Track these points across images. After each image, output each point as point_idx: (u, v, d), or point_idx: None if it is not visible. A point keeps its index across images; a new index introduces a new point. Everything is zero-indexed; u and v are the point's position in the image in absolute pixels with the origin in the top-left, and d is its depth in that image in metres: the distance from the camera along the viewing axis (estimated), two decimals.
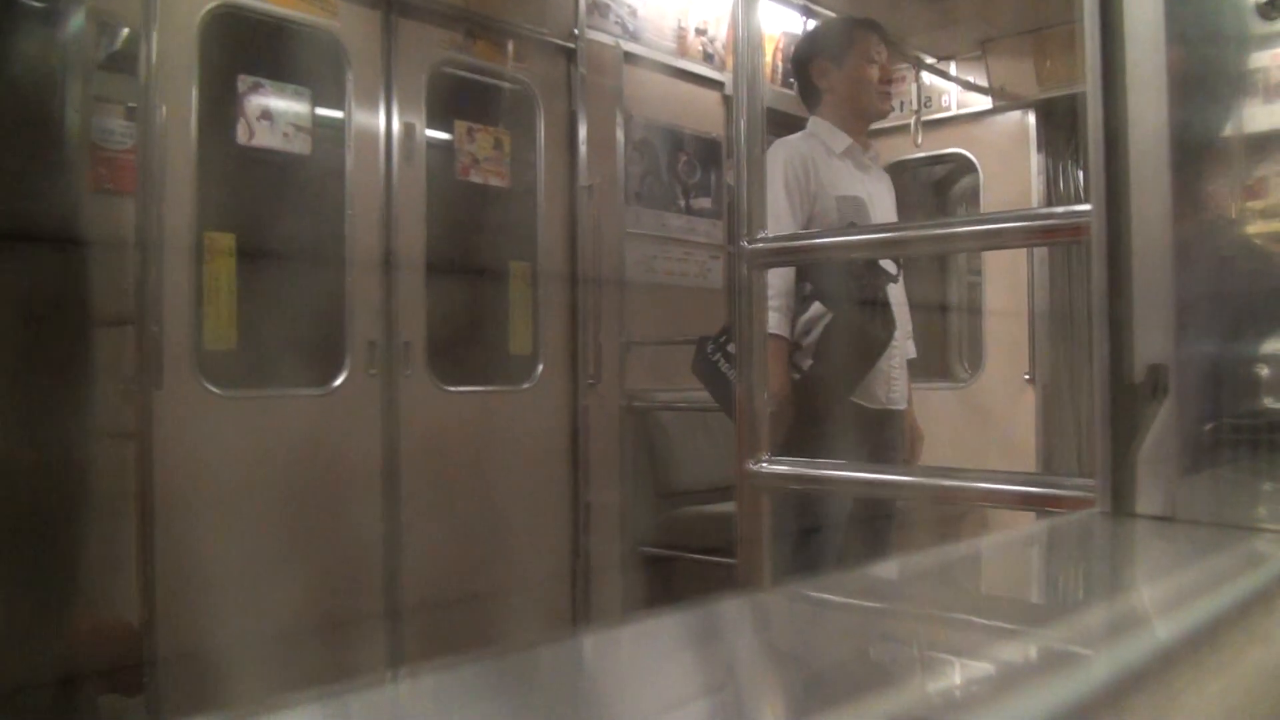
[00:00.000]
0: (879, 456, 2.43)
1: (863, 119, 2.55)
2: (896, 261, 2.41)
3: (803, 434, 2.27)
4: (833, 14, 3.55)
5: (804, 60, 2.58)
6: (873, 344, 2.36)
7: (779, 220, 2.27)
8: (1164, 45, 0.82)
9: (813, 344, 2.33)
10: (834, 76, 2.51)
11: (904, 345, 2.53)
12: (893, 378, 2.46)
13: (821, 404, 2.33)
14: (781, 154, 2.37)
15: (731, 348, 2.38)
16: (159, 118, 2.38)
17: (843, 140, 2.48)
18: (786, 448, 2.03)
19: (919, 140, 4.12)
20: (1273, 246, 1.18)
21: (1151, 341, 0.80)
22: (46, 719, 1.89)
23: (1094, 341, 0.84)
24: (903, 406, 2.54)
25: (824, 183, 2.39)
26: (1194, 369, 0.81)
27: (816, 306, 2.32)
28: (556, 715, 0.37)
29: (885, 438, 2.48)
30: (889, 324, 2.39)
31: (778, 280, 2.26)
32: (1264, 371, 0.88)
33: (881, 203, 2.53)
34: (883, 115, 2.67)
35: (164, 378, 2.37)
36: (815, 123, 2.53)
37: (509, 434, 3.15)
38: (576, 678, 0.43)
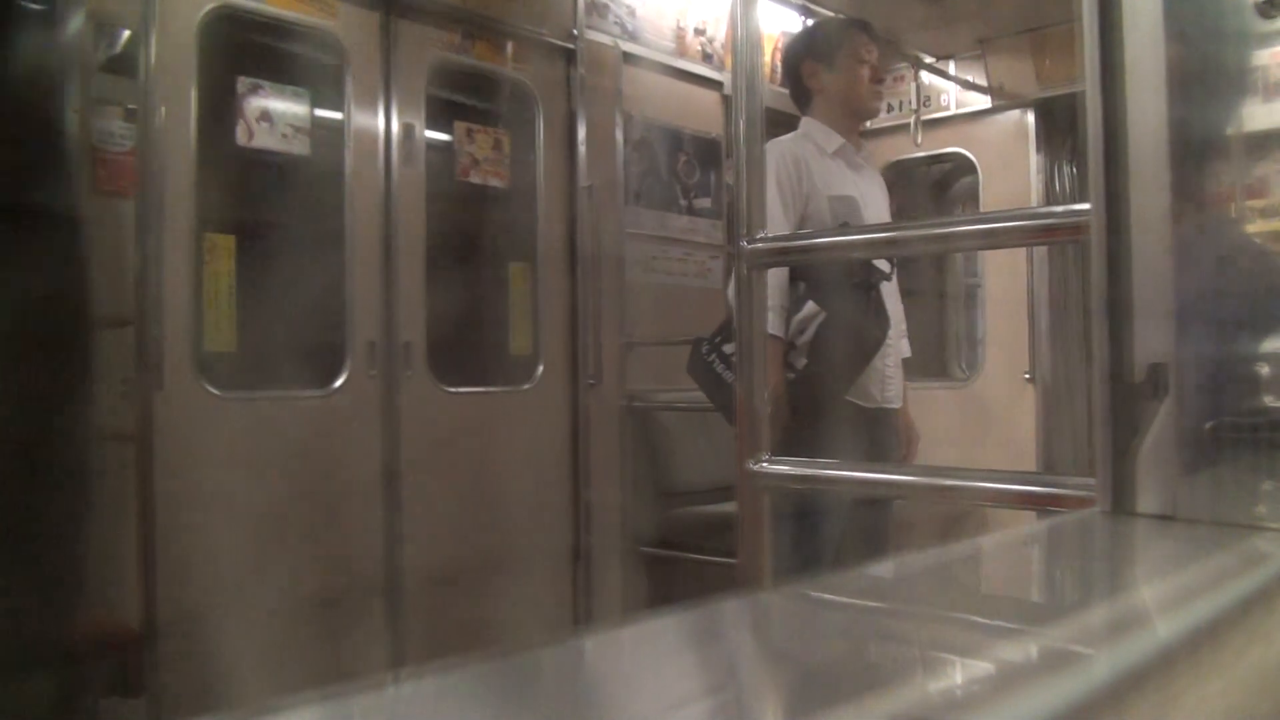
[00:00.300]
0: (875, 455, 2.43)
1: (854, 118, 2.55)
2: (889, 260, 2.41)
3: (798, 433, 2.27)
4: (831, 13, 3.56)
5: (794, 61, 2.59)
6: (867, 342, 2.36)
7: (772, 221, 2.28)
8: (1163, 43, 0.82)
9: (807, 343, 2.33)
10: (824, 77, 2.51)
11: (898, 344, 2.54)
12: (887, 376, 2.46)
13: (816, 403, 2.33)
14: (773, 154, 2.37)
15: (726, 348, 2.39)
16: (158, 119, 2.37)
17: (835, 140, 2.49)
18: (782, 447, 2.03)
19: (918, 140, 4.12)
20: (1273, 245, 1.18)
21: (1151, 340, 0.80)
22: None
23: (1094, 340, 0.84)
24: (898, 405, 2.54)
25: (816, 182, 2.40)
26: (1194, 368, 0.81)
27: (810, 305, 2.33)
28: (557, 716, 0.37)
29: (880, 436, 2.48)
30: (883, 322, 2.39)
31: (772, 279, 2.26)
32: (1264, 370, 0.88)
33: (875, 202, 2.54)
34: (874, 115, 2.68)
35: (164, 379, 2.37)
36: (807, 123, 2.53)
37: (509, 434, 3.15)
38: (577, 678, 0.43)
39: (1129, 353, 0.81)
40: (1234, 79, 1.01)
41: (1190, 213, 0.84)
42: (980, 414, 4.10)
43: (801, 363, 2.33)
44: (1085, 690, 0.40)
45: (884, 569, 0.69)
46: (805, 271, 2.34)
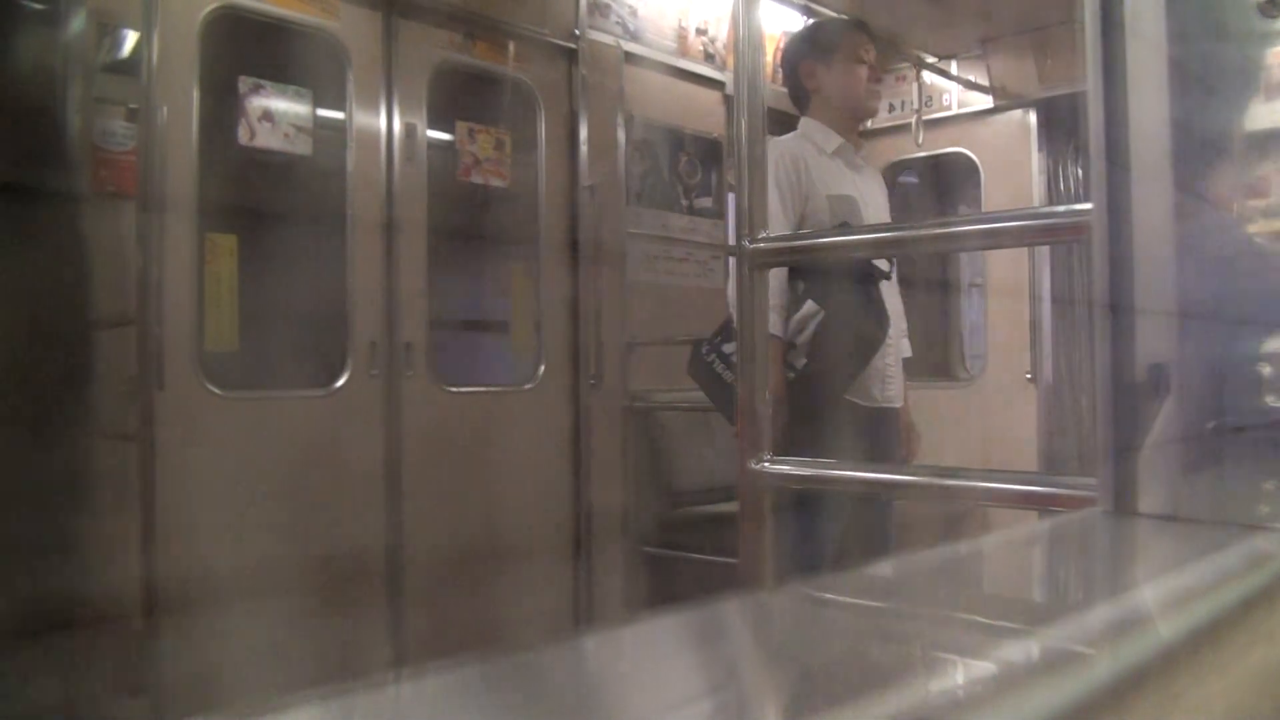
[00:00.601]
0: (875, 455, 2.43)
1: (853, 118, 2.56)
2: (889, 258, 2.41)
3: (798, 433, 2.26)
4: (832, 13, 3.55)
5: (792, 62, 2.59)
6: (866, 341, 2.36)
7: (771, 220, 2.27)
8: (1165, 44, 0.82)
9: (806, 342, 2.33)
10: (822, 77, 2.52)
11: (898, 343, 2.53)
12: (887, 375, 2.46)
13: (816, 402, 2.32)
14: (772, 154, 2.36)
15: (726, 348, 2.38)
16: (160, 119, 2.38)
17: (834, 140, 2.49)
18: (782, 447, 2.03)
19: (920, 140, 4.12)
20: (1274, 245, 1.18)
21: (1153, 340, 0.80)
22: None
23: (1095, 340, 0.84)
24: (898, 404, 2.54)
25: (815, 182, 2.40)
26: (1195, 368, 0.80)
27: (809, 305, 2.32)
28: (557, 716, 0.37)
29: (880, 436, 2.48)
30: (882, 321, 2.39)
31: (771, 279, 2.25)
32: (1265, 370, 0.88)
33: (874, 201, 2.54)
34: (873, 115, 2.68)
35: (165, 378, 2.37)
36: (806, 123, 2.54)
37: (511, 434, 3.15)
38: (577, 678, 0.43)
39: (1131, 352, 0.81)
40: (1236, 79, 1.01)
41: (1191, 213, 0.83)
42: (981, 414, 4.10)
43: (801, 362, 2.33)
44: (1087, 689, 0.40)
45: (884, 569, 0.69)
46: (804, 270, 2.34)
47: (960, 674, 0.44)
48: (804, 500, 2.26)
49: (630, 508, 3.42)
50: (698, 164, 3.83)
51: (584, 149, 3.36)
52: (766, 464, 1.30)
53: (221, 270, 2.62)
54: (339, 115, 2.87)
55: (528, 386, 3.26)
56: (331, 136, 2.85)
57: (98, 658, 2.16)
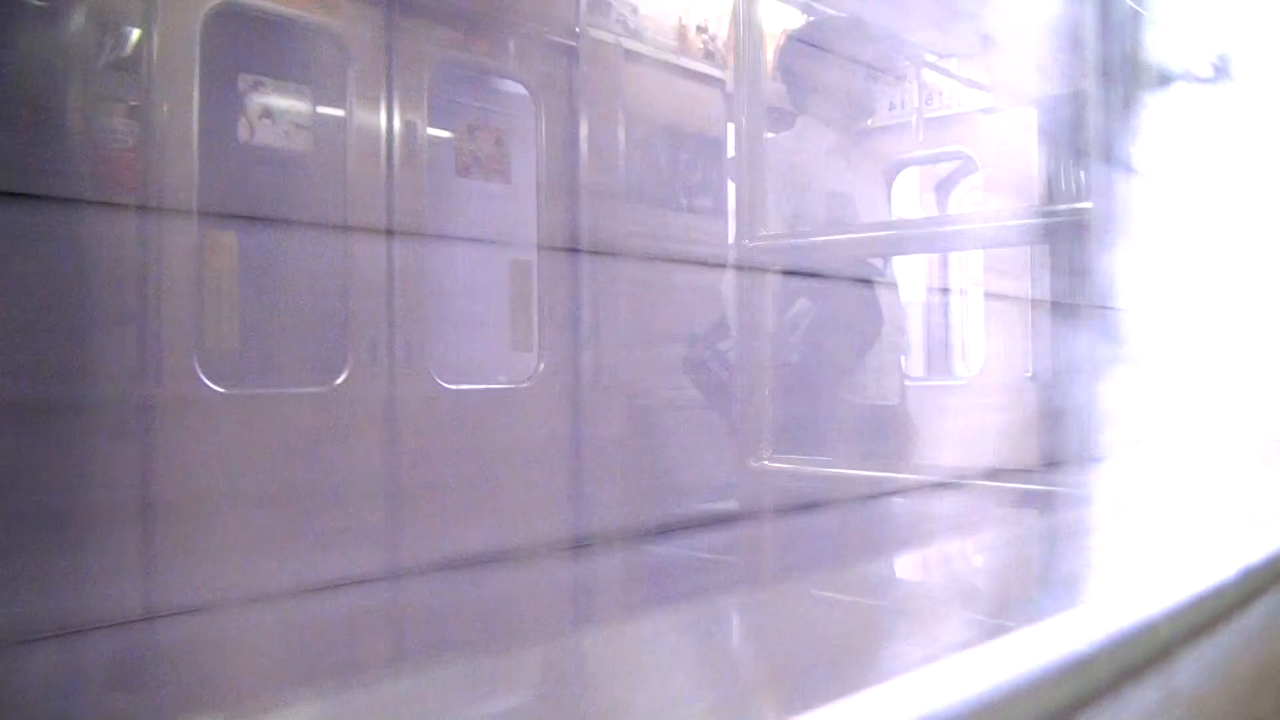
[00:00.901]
0: (871, 453, 2.42)
1: (851, 117, 2.56)
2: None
3: (793, 431, 2.26)
4: (832, 11, 3.55)
5: (792, 59, 2.59)
6: (860, 339, 2.36)
7: (768, 218, 2.28)
8: (1165, 44, 0.82)
9: (799, 340, 2.33)
10: (821, 75, 2.52)
11: (896, 340, 2.53)
12: (884, 373, 2.45)
13: (810, 400, 2.32)
14: (770, 152, 2.37)
15: (722, 345, 2.38)
16: (161, 116, 2.37)
17: (832, 138, 2.49)
18: (777, 445, 2.03)
19: (920, 138, 4.12)
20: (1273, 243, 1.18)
21: (1152, 339, 0.80)
22: (47, 718, 1.90)
23: (1094, 340, 0.84)
24: (894, 402, 2.53)
25: (812, 180, 2.40)
26: (1194, 367, 0.81)
27: (802, 302, 2.32)
28: (557, 716, 0.37)
29: (877, 434, 2.47)
30: (876, 319, 2.38)
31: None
32: (1263, 369, 0.88)
33: (872, 199, 2.54)
34: (871, 113, 2.68)
35: (165, 376, 2.37)
36: (804, 121, 2.54)
37: (510, 431, 3.15)
38: (577, 677, 0.43)
39: (1130, 352, 0.81)
40: (1235, 79, 1.01)
41: (1191, 212, 0.84)
42: (981, 412, 4.09)
43: (795, 359, 2.32)
44: (1088, 687, 0.40)
45: (884, 568, 0.69)
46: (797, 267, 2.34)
47: (960, 673, 0.44)
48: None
49: (630, 505, 3.42)
50: (698, 162, 3.83)
51: (584, 147, 3.36)
52: (765, 462, 1.30)
53: (221, 267, 2.62)
54: (339, 113, 2.86)
55: (526, 384, 3.26)
56: (331, 134, 2.85)
57: (93, 657, 2.16)
